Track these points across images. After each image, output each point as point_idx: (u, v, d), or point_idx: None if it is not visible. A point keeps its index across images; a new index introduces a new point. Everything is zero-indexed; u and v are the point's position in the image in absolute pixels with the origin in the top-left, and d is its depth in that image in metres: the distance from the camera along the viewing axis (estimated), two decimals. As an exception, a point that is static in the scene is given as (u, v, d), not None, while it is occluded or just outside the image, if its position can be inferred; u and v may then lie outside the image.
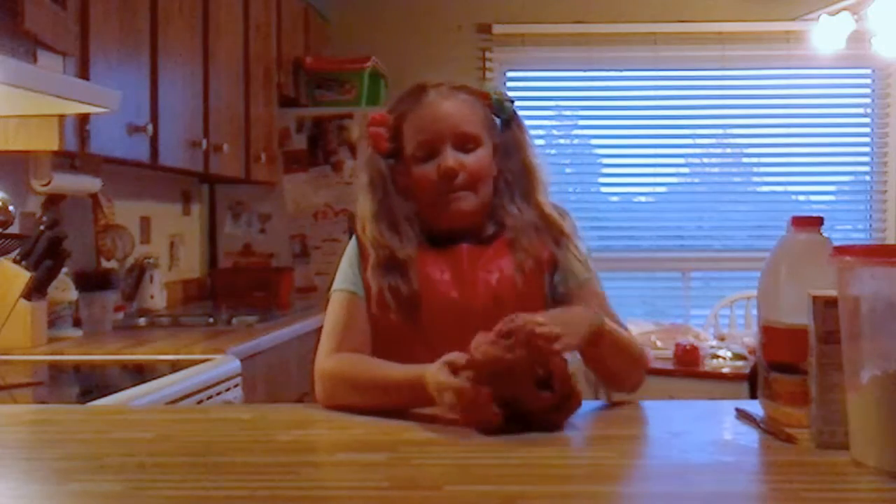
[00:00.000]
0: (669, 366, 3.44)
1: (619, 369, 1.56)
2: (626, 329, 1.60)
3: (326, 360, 1.55)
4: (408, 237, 1.61)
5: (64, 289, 2.65)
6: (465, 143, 1.61)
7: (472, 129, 1.62)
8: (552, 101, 5.12)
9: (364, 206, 1.64)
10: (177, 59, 2.95)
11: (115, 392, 1.90)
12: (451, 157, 1.59)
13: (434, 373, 1.36)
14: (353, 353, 1.56)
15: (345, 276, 1.64)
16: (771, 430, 1.28)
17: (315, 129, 4.12)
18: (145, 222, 3.54)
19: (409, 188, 1.63)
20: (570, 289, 1.63)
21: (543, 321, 1.34)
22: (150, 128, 2.65)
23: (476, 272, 1.60)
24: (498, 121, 1.69)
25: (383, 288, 1.57)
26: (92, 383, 2.27)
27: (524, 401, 1.32)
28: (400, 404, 1.44)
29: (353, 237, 1.68)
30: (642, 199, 5.23)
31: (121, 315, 2.99)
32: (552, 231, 1.64)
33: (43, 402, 1.96)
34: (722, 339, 3.78)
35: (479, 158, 1.61)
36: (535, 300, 1.60)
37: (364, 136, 1.68)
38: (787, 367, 1.29)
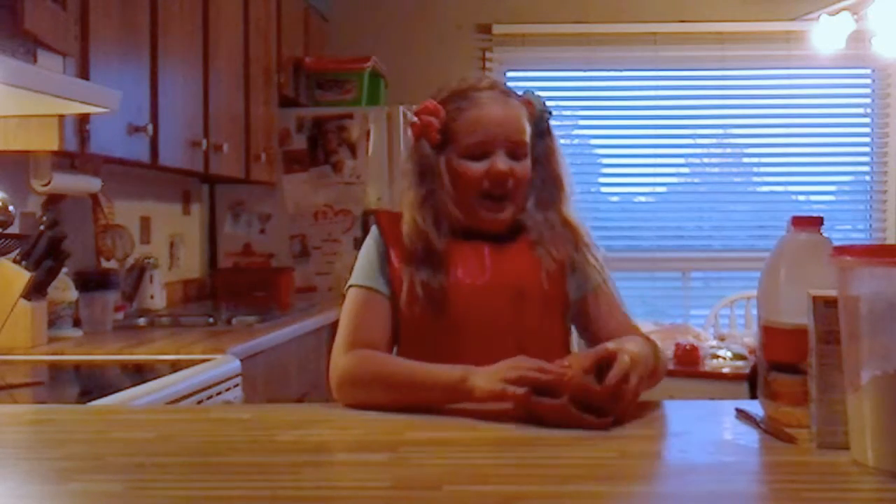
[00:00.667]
0: (669, 366, 3.43)
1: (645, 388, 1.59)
2: (637, 330, 1.64)
3: (343, 358, 1.55)
4: (446, 232, 1.62)
5: (64, 289, 2.65)
6: (517, 150, 1.63)
7: (524, 138, 1.64)
8: (552, 101, 5.07)
9: (409, 194, 1.65)
10: (177, 59, 2.95)
11: (115, 392, 1.90)
12: (502, 162, 1.61)
13: (486, 383, 1.38)
14: (369, 349, 1.57)
15: (363, 271, 1.65)
16: (771, 430, 1.28)
17: (315, 129, 4.11)
18: (145, 222, 3.54)
19: (451, 181, 1.64)
20: (585, 293, 1.66)
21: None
22: (150, 128, 2.65)
23: (502, 268, 1.62)
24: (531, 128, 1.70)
25: (415, 282, 1.58)
26: (92, 383, 2.27)
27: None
28: (430, 402, 1.44)
29: (374, 230, 1.67)
30: (642, 199, 5.23)
31: (121, 315, 2.99)
32: (572, 237, 1.66)
33: (43, 402, 1.96)
34: (722, 339, 3.78)
35: (525, 167, 1.65)
36: (558, 300, 1.63)
37: (410, 122, 1.67)
38: (787, 367, 1.29)
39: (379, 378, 1.50)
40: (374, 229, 1.68)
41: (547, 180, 1.69)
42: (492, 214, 1.63)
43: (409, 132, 1.68)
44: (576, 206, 1.71)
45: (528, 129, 1.66)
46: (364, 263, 1.65)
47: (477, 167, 1.62)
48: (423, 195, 1.63)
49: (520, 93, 1.71)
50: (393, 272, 1.61)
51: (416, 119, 1.66)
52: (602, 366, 1.37)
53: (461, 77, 1.70)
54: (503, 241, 1.65)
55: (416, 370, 1.48)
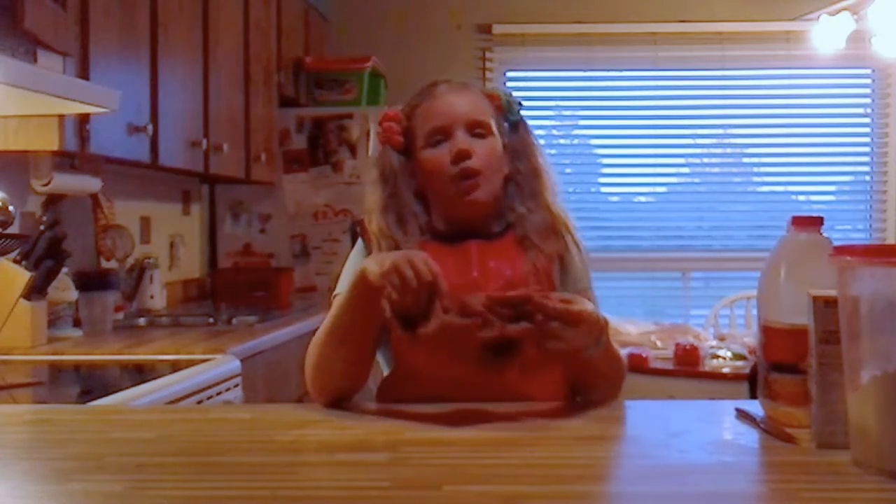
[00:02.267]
0: (669, 366, 3.43)
1: (598, 382, 1.57)
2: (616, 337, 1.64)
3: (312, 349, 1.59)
4: (413, 231, 1.62)
5: (64, 289, 2.65)
6: (477, 128, 1.62)
7: (484, 119, 1.63)
8: (552, 101, 5.12)
9: (372, 198, 1.65)
10: (177, 59, 2.95)
11: (115, 392, 1.90)
12: (463, 140, 1.60)
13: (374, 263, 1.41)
14: None
15: (347, 280, 1.64)
16: (771, 430, 1.28)
17: (315, 129, 4.12)
18: (145, 222, 3.54)
19: (420, 180, 1.64)
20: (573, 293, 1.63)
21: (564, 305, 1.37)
22: (150, 128, 2.65)
23: (487, 264, 1.60)
24: (506, 124, 1.70)
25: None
26: (92, 383, 2.27)
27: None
28: (357, 322, 1.47)
29: (360, 241, 1.68)
30: (642, 199, 5.23)
31: (121, 315, 2.99)
32: (560, 232, 1.65)
33: (43, 402, 1.96)
34: (722, 339, 3.78)
35: (490, 146, 1.62)
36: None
37: (376, 132, 1.70)
38: (787, 367, 1.29)
39: (320, 338, 1.52)
40: (359, 240, 1.68)
41: (526, 173, 1.68)
42: (466, 196, 1.60)
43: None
44: (561, 199, 1.70)
45: (489, 114, 1.65)
46: (348, 272, 1.66)
47: (440, 152, 1.61)
48: (385, 198, 1.64)
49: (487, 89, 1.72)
50: None
51: (379, 129, 1.68)
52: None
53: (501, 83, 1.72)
54: (490, 239, 1.64)
55: (334, 309, 1.52)
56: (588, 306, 1.43)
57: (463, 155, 1.59)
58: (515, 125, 1.70)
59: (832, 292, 1.15)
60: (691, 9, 4.87)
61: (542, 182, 1.69)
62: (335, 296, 1.64)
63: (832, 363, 1.17)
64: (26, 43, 2.02)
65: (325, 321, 1.55)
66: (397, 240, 1.60)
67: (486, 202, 1.63)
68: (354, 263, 1.66)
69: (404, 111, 1.68)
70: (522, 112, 1.72)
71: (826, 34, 4.15)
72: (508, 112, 1.69)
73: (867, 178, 5.04)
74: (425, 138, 1.63)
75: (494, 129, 1.65)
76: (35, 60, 2.07)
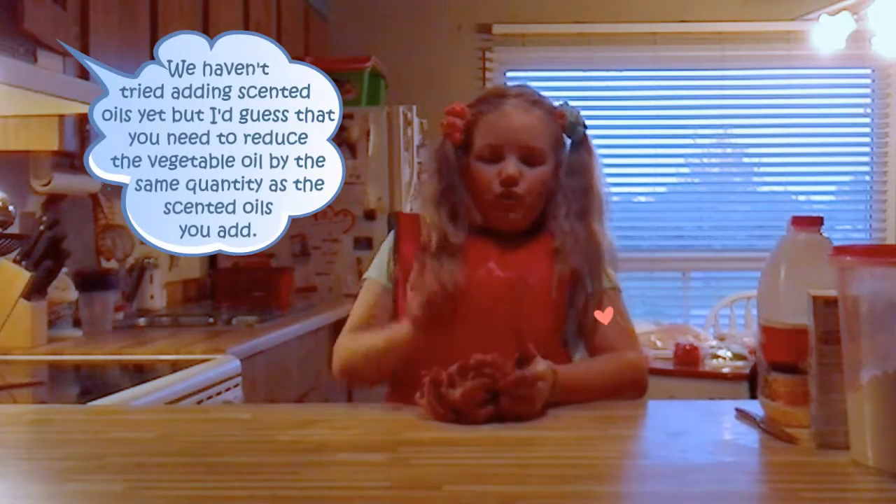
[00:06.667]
0: (669, 366, 3.43)
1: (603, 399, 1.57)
2: (630, 341, 1.64)
3: (344, 337, 1.69)
4: (462, 226, 1.67)
5: (64, 289, 2.65)
6: (530, 156, 1.67)
7: (540, 145, 1.67)
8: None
9: (429, 190, 1.72)
10: (177, 59, 2.94)
11: (115, 392, 1.90)
12: (513, 166, 1.65)
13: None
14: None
15: (374, 264, 1.75)
16: (771, 430, 1.28)
17: (315, 129, 4.10)
18: (145, 222, 3.53)
19: (469, 182, 1.70)
20: (586, 299, 1.65)
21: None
22: (150, 128, 2.65)
23: (506, 258, 1.65)
24: (568, 140, 1.74)
25: (432, 269, 1.62)
26: (92, 383, 2.27)
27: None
28: (399, 359, 1.59)
29: (392, 232, 1.75)
30: (642, 199, 5.23)
31: (121, 315, 2.99)
32: (594, 251, 1.66)
33: (43, 402, 1.96)
34: (722, 339, 3.78)
35: (539, 174, 1.67)
36: (560, 306, 1.63)
37: (440, 122, 1.74)
38: (787, 367, 1.29)
39: (359, 355, 1.65)
40: (393, 230, 1.76)
41: (577, 192, 1.70)
42: (503, 215, 1.67)
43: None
44: (608, 223, 1.72)
45: (548, 138, 1.68)
46: (377, 258, 1.76)
47: (490, 171, 1.66)
48: (440, 191, 1.69)
49: (556, 104, 1.74)
50: (401, 263, 1.68)
51: (443, 121, 1.72)
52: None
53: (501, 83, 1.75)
54: (520, 241, 1.68)
55: (376, 340, 1.63)
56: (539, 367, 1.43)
57: (510, 182, 1.64)
58: (578, 144, 1.73)
59: (832, 292, 1.15)
60: (691, 9, 4.87)
61: (591, 203, 1.71)
62: (364, 279, 1.75)
63: (832, 363, 1.17)
64: (26, 43, 2.02)
65: (366, 339, 1.65)
66: (447, 233, 1.65)
67: (521, 224, 1.69)
68: (382, 249, 1.76)
69: (471, 106, 1.71)
70: (588, 133, 1.74)
71: (826, 34, 4.15)
72: (571, 132, 1.72)
73: (867, 178, 5.04)
74: (479, 151, 1.68)
75: (549, 154, 1.69)
76: (35, 60, 2.07)
